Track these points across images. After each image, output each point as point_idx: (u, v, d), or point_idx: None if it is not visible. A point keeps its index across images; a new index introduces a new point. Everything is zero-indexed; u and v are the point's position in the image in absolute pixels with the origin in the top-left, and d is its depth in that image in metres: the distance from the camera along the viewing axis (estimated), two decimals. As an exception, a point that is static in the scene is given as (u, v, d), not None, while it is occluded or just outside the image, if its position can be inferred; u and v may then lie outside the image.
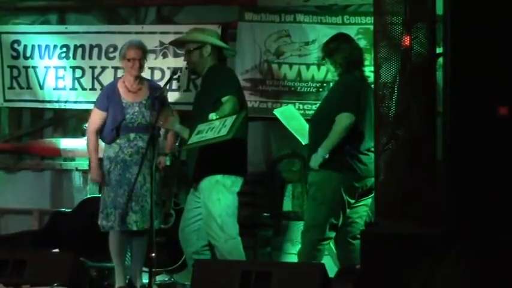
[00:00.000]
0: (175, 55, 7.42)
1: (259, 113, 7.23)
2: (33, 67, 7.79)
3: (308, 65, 7.23)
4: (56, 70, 7.76)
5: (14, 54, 7.83)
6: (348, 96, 5.74)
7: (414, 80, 4.43)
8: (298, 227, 6.79)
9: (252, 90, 7.26)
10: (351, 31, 6.77)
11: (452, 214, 4.21)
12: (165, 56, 7.53)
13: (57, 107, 7.80)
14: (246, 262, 5.80)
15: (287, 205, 7.32)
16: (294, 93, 7.24)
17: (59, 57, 7.74)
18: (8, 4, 7.86)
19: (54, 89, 7.77)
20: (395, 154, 4.53)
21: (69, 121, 7.85)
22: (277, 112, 6.37)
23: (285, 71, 7.28)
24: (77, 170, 7.68)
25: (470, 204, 4.18)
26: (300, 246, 5.96)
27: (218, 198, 5.81)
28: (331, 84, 6.28)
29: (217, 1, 7.47)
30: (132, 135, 6.31)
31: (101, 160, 6.40)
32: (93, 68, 7.69)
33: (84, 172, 7.38)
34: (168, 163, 6.42)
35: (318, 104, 6.39)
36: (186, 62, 6.26)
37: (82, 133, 7.10)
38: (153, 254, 5.53)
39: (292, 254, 6.97)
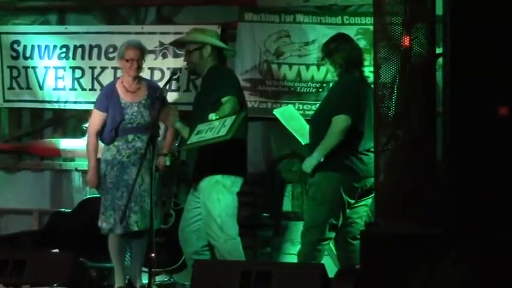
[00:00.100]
0: (175, 55, 7.42)
1: (259, 113, 7.23)
2: (33, 67, 7.79)
3: (308, 65, 7.23)
4: (55, 70, 7.75)
5: (14, 54, 7.83)
6: (347, 96, 5.74)
7: (414, 80, 4.44)
8: (298, 227, 6.79)
9: (251, 90, 7.26)
10: (351, 31, 6.77)
11: (452, 214, 4.21)
12: (164, 56, 7.52)
13: (56, 107, 7.80)
14: (246, 262, 5.80)
15: (287, 205, 7.32)
16: (293, 94, 7.24)
17: (59, 58, 7.74)
18: (8, 4, 7.85)
19: (53, 89, 7.76)
20: (395, 154, 4.53)
21: (69, 121, 7.85)
22: (276, 112, 6.37)
23: (285, 71, 7.28)
24: (76, 170, 7.68)
25: (470, 204, 4.18)
26: (299, 246, 5.96)
27: (218, 198, 5.81)
28: (330, 85, 6.28)
29: (217, 1, 7.47)
30: (130, 137, 6.31)
31: (99, 161, 6.40)
32: (92, 68, 7.69)
33: (84, 172, 7.36)
34: (168, 163, 6.42)
35: (318, 104, 6.39)
36: (186, 63, 6.26)
37: (82, 133, 7.11)
38: (153, 254, 5.52)
39: (292, 254, 6.97)
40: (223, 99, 5.73)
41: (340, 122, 5.65)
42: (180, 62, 7.19)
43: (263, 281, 4.88)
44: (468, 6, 4.21)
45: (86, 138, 6.59)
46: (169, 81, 6.43)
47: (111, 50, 7.57)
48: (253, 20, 7.32)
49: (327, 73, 6.63)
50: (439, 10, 4.33)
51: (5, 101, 7.89)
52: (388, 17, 4.54)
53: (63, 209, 7.47)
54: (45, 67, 7.76)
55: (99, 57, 7.66)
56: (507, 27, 4.14)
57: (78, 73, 7.72)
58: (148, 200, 6.13)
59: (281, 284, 4.86)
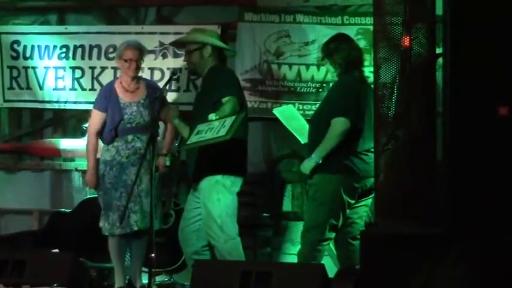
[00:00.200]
0: (175, 55, 7.42)
1: (259, 113, 7.23)
2: (33, 67, 7.78)
3: (308, 66, 7.23)
4: (55, 70, 7.75)
5: (14, 54, 7.82)
6: (346, 98, 5.74)
7: (414, 80, 4.44)
8: (298, 228, 6.79)
9: (251, 90, 7.26)
10: (351, 31, 6.77)
11: (452, 214, 4.21)
12: (164, 56, 7.52)
13: (56, 107, 7.80)
14: (246, 262, 5.80)
15: (287, 205, 7.32)
16: (293, 94, 7.24)
17: (59, 58, 7.74)
18: (8, 4, 7.85)
19: (53, 89, 7.76)
20: (395, 154, 4.54)
21: (69, 121, 7.85)
22: (276, 111, 6.37)
23: (285, 71, 7.28)
24: (76, 170, 7.67)
25: (470, 204, 4.18)
26: (299, 246, 5.96)
27: (218, 198, 5.81)
28: (330, 85, 6.27)
29: (217, 1, 7.47)
30: (130, 137, 6.31)
31: (98, 161, 6.40)
32: (92, 68, 7.68)
33: (84, 172, 7.34)
34: (167, 163, 6.42)
35: (318, 105, 6.39)
36: (186, 63, 6.26)
37: (82, 133, 7.10)
38: (153, 254, 5.52)
39: (292, 254, 6.97)
40: (224, 100, 5.73)
41: (339, 125, 5.65)
42: (180, 62, 7.19)
43: (263, 281, 4.88)
44: (468, 6, 4.21)
45: (86, 138, 6.59)
46: (169, 81, 6.42)
47: (111, 50, 7.56)
48: (253, 20, 7.32)
49: (326, 73, 6.63)
50: (439, 10, 4.33)
51: (5, 101, 7.89)
52: (388, 17, 4.54)
53: (63, 209, 7.47)
54: (45, 67, 7.76)
55: (99, 57, 7.66)
56: (507, 27, 4.15)
57: (78, 73, 7.72)
58: (146, 200, 6.13)
59: (281, 284, 4.86)
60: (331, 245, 6.04)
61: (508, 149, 4.15)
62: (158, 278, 6.96)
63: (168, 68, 7.48)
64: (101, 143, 6.44)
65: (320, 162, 5.67)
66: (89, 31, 7.70)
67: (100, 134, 6.39)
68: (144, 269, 6.40)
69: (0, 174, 7.98)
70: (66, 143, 7.66)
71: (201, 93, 6.17)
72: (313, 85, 7.21)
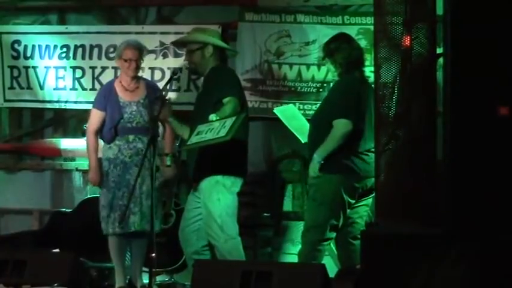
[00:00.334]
0: (176, 55, 7.42)
1: (260, 113, 7.23)
2: (34, 67, 7.78)
3: (308, 65, 7.22)
4: (56, 70, 7.75)
5: (14, 54, 7.82)
6: (347, 97, 5.73)
7: (414, 80, 4.44)
8: (299, 227, 6.78)
9: (252, 90, 7.25)
10: (351, 31, 6.76)
11: (452, 214, 4.21)
12: (165, 56, 7.52)
13: (57, 107, 7.80)
14: (246, 262, 5.81)
15: (287, 205, 7.31)
16: (294, 94, 7.24)
17: (59, 58, 7.74)
18: (8, 4, 7.85)
19: (54, 89, 7.76)
20: (395, 154, 4.54)
21: (70, 121, 7.85)
22: (277, 111, 6.37)
23: (285, 71, 7.28)
24: (77, 170, 7.67)
25: (470, 204, 4.18)
26: (300, 246, 5.96)
27: (218, 198, 5.81)
28: (331, 85, 6.27)
29: (217, 1, 7.46)
30: (131, 137, 6.31)
31: (100, 160, 6.40)
32: (93, 68, 7.69)
33: (85, 172, 7.37)
34: (168, 163, 6.41)
35: (318, 104, 6.39)
36: (186, 62, 6.26)
37: (82, 133, 7.09)
38: (153, 254, 5.52)
39: (292, 254, 6.96)
40: (225, 100, 5.73)
41: (341, 127, 5.65)
42: (180, 62, 7.19)
43: (263, 281, 4.87)
44: (468, 6, 4.21)
45: (86, 138, 6.59)
46: (169, 81, 6.42)
47: (111, 49, 7.56)
48: (254, 20, 7.32)
49: (327, 73, 6.62)
50: (439, 10, 4.33)
51: (6, 100, 7.89)
52: (388, 16, 4.54)
53: (64, 209, 7.47)
54: (45, 67, 7.76)
55: (99, 57, 7.66)
56: (507, 27, 4.15)
57: (78, 73, 7.72)
58: (145, 202, 6.13)
59: (281, 284, 4.85)
60: (332, 245, 6.04)
61: (508, 149, 4.15)
62: (159, 278, 6.95)
63: (168, 68, 7.47)
64: (101, 142, 6.44)
65: (322, 162, 5.67)
66: (90, 31, 7.70)
67: (100, 132, 6.39)
68: (144, 268, 6.40)
69: (0, 174, 7.98)
70: (66, 143, 7.66)
71: (202, 93, 6.16)
72: (314, 85, 7.21)
